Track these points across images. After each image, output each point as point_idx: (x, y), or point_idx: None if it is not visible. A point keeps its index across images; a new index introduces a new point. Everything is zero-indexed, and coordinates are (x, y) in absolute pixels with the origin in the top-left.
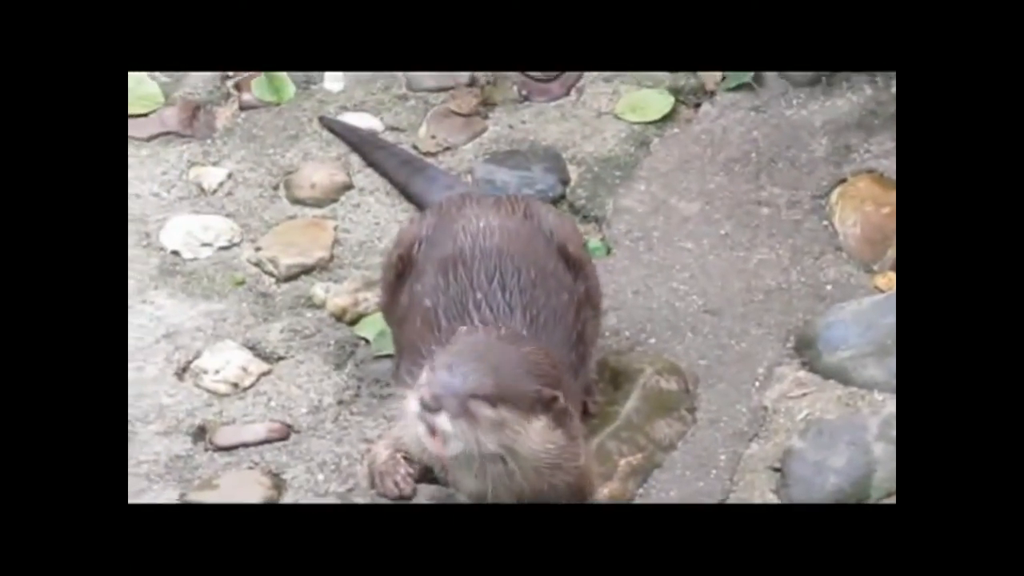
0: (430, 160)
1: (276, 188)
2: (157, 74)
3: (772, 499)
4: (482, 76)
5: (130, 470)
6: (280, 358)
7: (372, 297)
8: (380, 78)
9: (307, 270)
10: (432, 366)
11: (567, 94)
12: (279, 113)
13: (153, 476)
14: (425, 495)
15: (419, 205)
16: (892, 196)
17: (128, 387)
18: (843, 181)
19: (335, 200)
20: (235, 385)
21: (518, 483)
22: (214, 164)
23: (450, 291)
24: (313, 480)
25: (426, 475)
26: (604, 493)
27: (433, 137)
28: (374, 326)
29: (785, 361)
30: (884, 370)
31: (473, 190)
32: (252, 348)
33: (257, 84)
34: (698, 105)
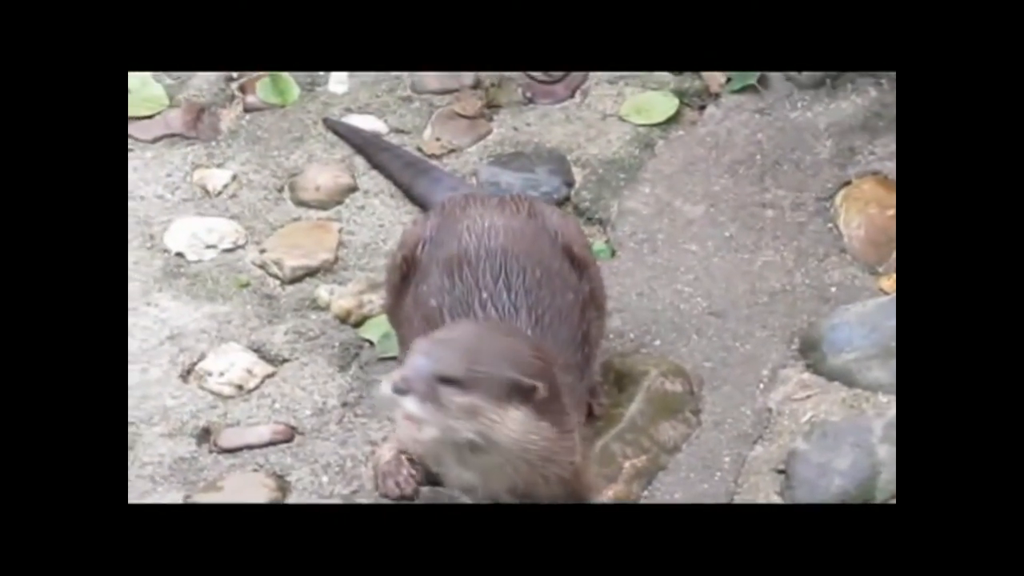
0: (434, 162)
1: (280, 190)
2: (162, 76)
3: (776, 501)
4: (487, 78)
5: (134, 472)
6: (285, 360)
7: (377, 299)
8: (384, 80)
9: (311, 272)
10: (411, 352)
11: (572, 96)
12: (283, 115)
13: (157, 478)
14: (429, 496)
15: (423, 207)
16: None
17: (132, 389)
18: (847, 183)
19: (340, 202)
20: (239, 387)
21: (508, 475)
22: (218, 166)
23: (455, 291)
24: (317, 482)
25: (430, 476)
26: (608, 495)
27: (438, 139)
28: (379, 328)
29: (789, 363)
30: (889, 372)
31: (477, 190)
32: (257, 350)
33: (261, 86)
34: (703, 107)
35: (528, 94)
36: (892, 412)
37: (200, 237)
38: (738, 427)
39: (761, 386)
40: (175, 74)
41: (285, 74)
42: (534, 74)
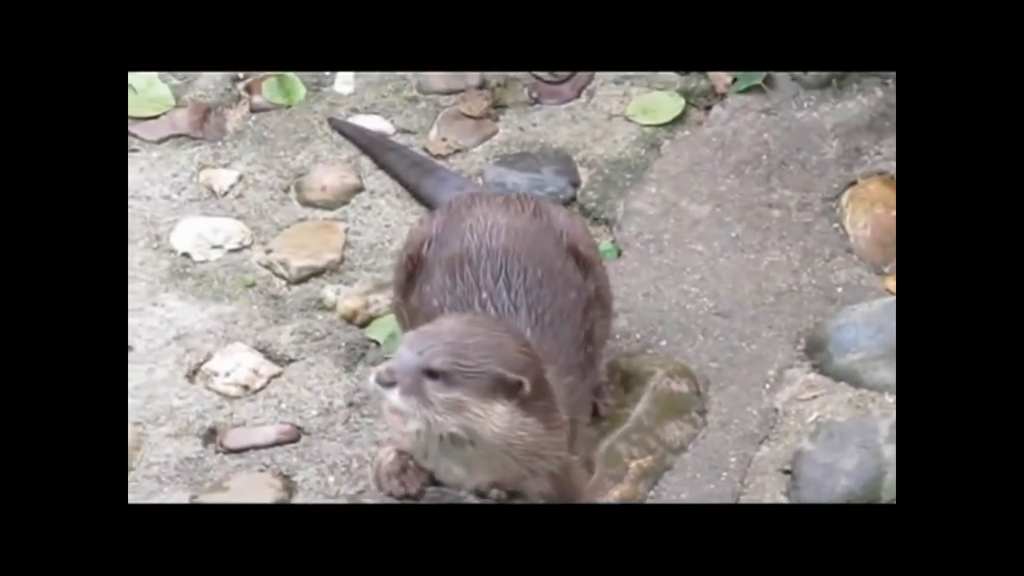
0: (440, 162)
1: (287, 190)
2: (168, 76)
3: (782, 502)
4: (492, 79)
5: (140, 472)
6: (291, 360)
7: (383, 299)
8: (390, 80)
9: (318, 272)
10: (398, 345)
11: (578, 96)
12: (290, 115)
13: (164, 478)
14: (434, 496)
15: (430, 207)
16: None
17: (138, 389)
18: (853, 183)
19: (346, 202)
20: (246, 387)
21: (494, 468)
22: (224, 166)
23: (456, 291)
24: (323, 482)
25: (432, 477)
26: (615, 495)
27: (444, 139)
28: (385, 328)
29: (796, 363)
30: (895, 373)
31: (484, 190)
32: (263, 350)
33: (268, 86)
34: (709, 107)
35: (534, 94)
36: None
37: (206, 237)
38: (744, 427)
39: (767, 386)
40: (181, 75)
41: (291, 74)
42: (540, 74)
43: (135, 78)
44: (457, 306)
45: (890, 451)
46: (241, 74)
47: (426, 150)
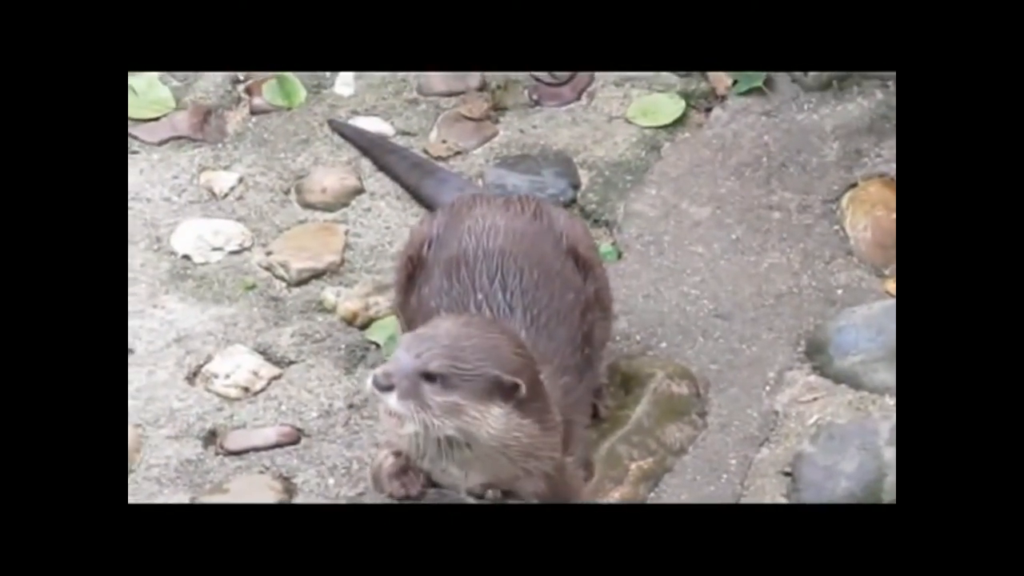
0: (441, 164)
1: (287, 192)
2: (168, 78)
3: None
4: (493, 81)
5: (141, 474)
6: (291, 362)
7: (383, 301)
8: (391, 83)
9: (318, 274)
10: (395, 348)
11: (578, 98)
12: (290, 117)
13: (164, 480)
14: (434, 497)
15: (430, 208)
16: None
17: (139, 391)
18: (854, 185)
19: (346, 204)
20: (246, 389)
21: (489, 469)
22: (225, 168)
23: (453, 292)
24: (324, 484)
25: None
26: (615, 497)
27: (444, 141)
28: (385, 330)
29: (796, 365)
30: (895, 375)
31: (484, 191)
32: (263, 352)
33: (268, 88)
34: (709, 109)
35: (534, 96)
36: None
37: (206, 239)
38: (744, 429)
39: (767, 388)
40: (181, 77)
41: (291, 76)
42: (540, 76)
43: (136, 80)
44: (453, 307)
45: (890, 453)
46: (241, 76)
47: (426, 152)
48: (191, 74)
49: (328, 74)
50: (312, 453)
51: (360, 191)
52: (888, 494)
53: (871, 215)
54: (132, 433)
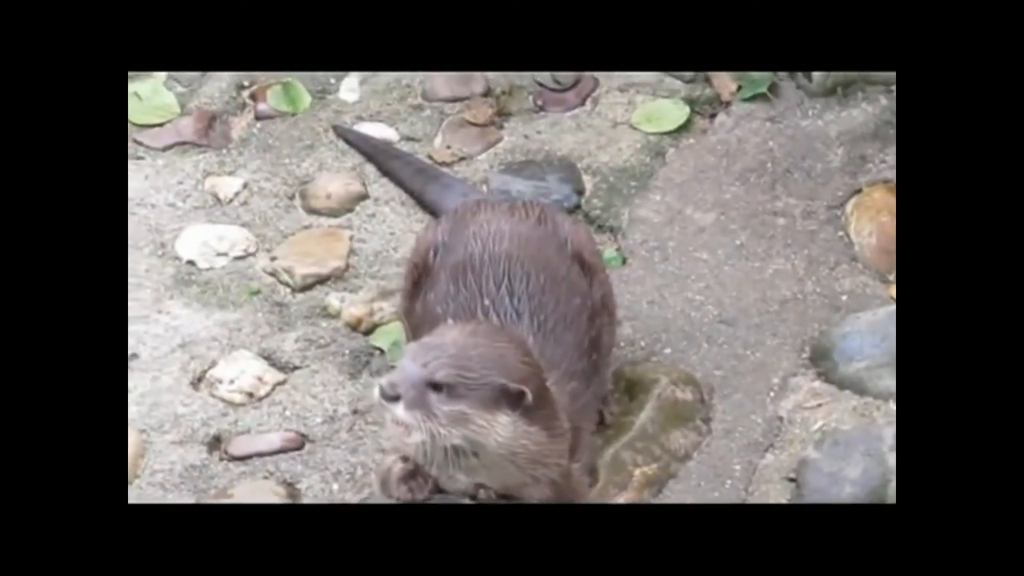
0: (445, 170)
1: (291, 198)
2: (173, 84)
3: None
4: (497, 86)
5: (145, 479)
6: (295, 368)
7: (387, 307)
8: (395, 88)
9: (322, 280)
10: (402, 356)
11: (582, 104)
12: (294, 123)
13: (168, 486)
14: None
15: (435, 214)
16: None
17: (143, 397)
18: (858, 191)
19: (350, 210)
20: (250, 395)
21: (496, 476)
22: (230, 174)
23: (459, 297)
24: (328, 490)
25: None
26: (620, 502)
27: (448, 147)
28: (389, 336)
29: (800, 371)
30: None
31: (489, 196)
32: (267, 358)
33: (273, 94)
34: (713, 115)
35: (539, 102)
36: None
37: (211, 245)
38: (749, 435)
39: (772, 394)
40: (186, 82)
41: (296, 82)
42: (544, 82)
43: (140, 86)
44: (460, 313)
45: (895, 459)
46: (246, 82)
47: (431, 158)
48: (196, 80)
49: (333, 80)
50: (316, 458)
51: (364, 197)
52: (892, 500)
53: (876, 221)
54: (136, 438)
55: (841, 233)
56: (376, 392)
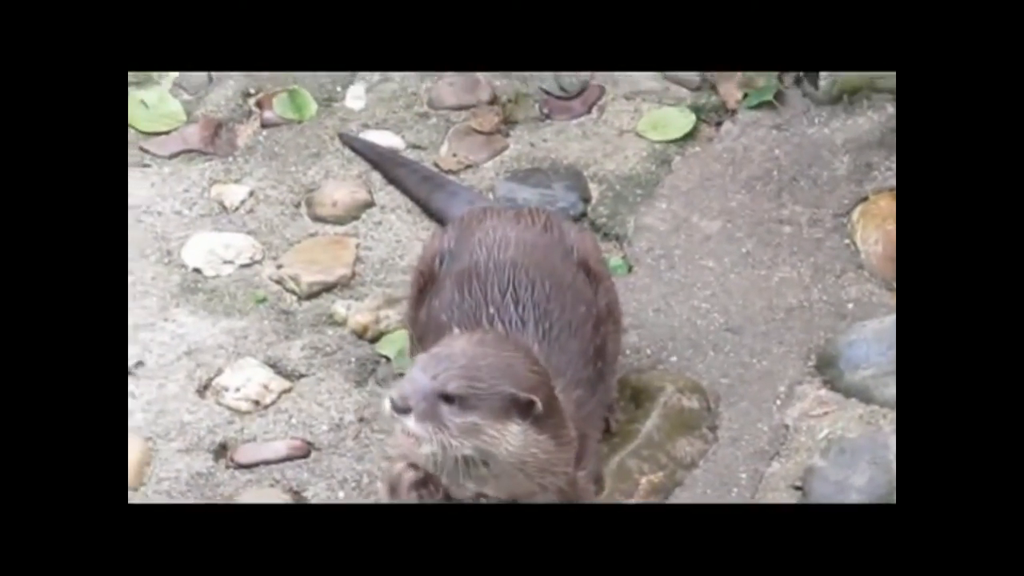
0: (451, 178)
1: (298, 206)
2: (179, 91)
3: None
4: (503, 94)
5: (151, 487)
6: (301, 375)
7: (393, 315)
8: (401, 96)
9: (328, 288)
10: (411, 367)
11: (588, 112)
12: (300, 131)
13: (174, 493)
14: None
15: (441, 222)
16: None
17: (149, 404)
18: (865, 199)
19: (356, 218)
20: (256, 402)
21: (505, 485)
22: (236, 182)
23: (464, 305)
24: (334, 497)
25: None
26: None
27: (454, 155)
28: (395, 344)
29: (806, 379)
30: None
31: (495, 204)
32: (273, 365)
33: (278, 101)
34: (719, 123)
35: (545, 110)
36: None
37: (217, 253)
38: (755, 443)
39: (778, 402)
40: (192, 90)
41: (302, 90)
42: (550, 90)
43: (146, 94)
44: (465, 320)
45: None
46: (252, 89)
47: (437, 165)
48: (202, 88)
49: (339, 88)
50: (322, 466)
51: (371, 204)
52: None
53: (882, 229)
54: (142, 446)
55: (847, 241)
56: (387, 404)
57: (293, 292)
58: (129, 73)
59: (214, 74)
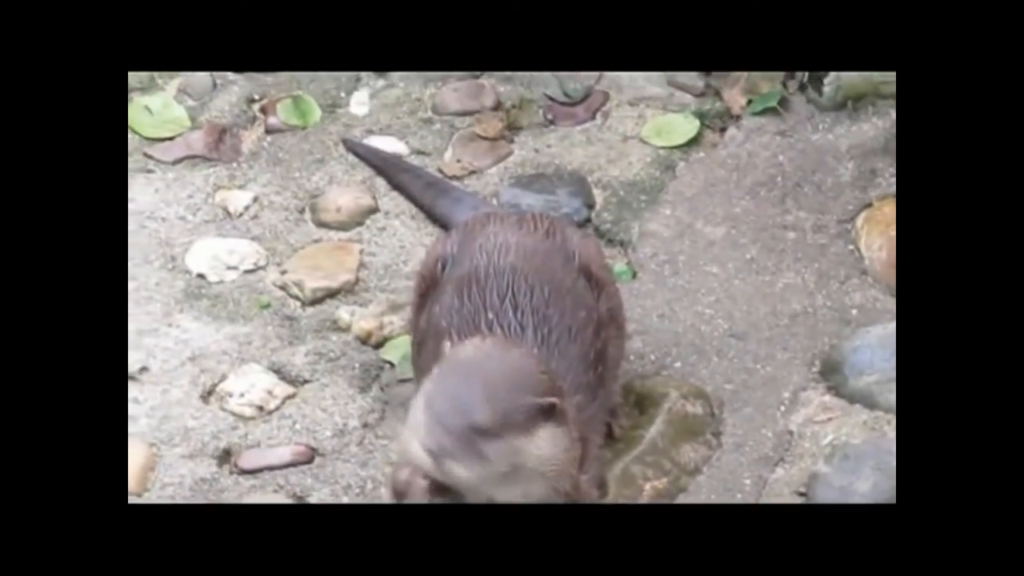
0: (455, 184)
1: (302, 211)
2: (183, 97)
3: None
4: (507, 100)
5: (155, 493)
6: (305, 381)
7: (397, 320)
8: (405, 102)
9: (332, 293)
10: (428, 403)
11: (592, 118)
12: (305, 136)
13: (178, 499)
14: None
15: (445, 227)
16: None
17: (153, 410)
18: (869, 205)
19: (360, 223)
20: (260, 408)
21: (523, 492)
22: (240, 187)
23: (463, 310)
24: (338, 503)
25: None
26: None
27: (458, 161)
28: (399, 349)
29: (811, 385)
30: None
31: (499, 209)
32: (277, 371)
33: (283, 107)
34: (724, 129)
35: (549, 116)
36: None
37: (221, 258)
38: (759, 449)
39: (782, 408)
40: (196, 96)
41: (306, 96)
42: (554, 96)
43: (151, 100)
44: (464, 326)
45: None
46: (256, 95)
47: (441, 171)
48: (206, 94)
49: (343, 93)
50: (326, 472)
51: (375, 210)
52: None
53: (886, 235)
54: (146, 452)
55: (851, 247)
56: (418, 451)
57: (297, 298)
58: (133, 79)
59: (218, 80)
